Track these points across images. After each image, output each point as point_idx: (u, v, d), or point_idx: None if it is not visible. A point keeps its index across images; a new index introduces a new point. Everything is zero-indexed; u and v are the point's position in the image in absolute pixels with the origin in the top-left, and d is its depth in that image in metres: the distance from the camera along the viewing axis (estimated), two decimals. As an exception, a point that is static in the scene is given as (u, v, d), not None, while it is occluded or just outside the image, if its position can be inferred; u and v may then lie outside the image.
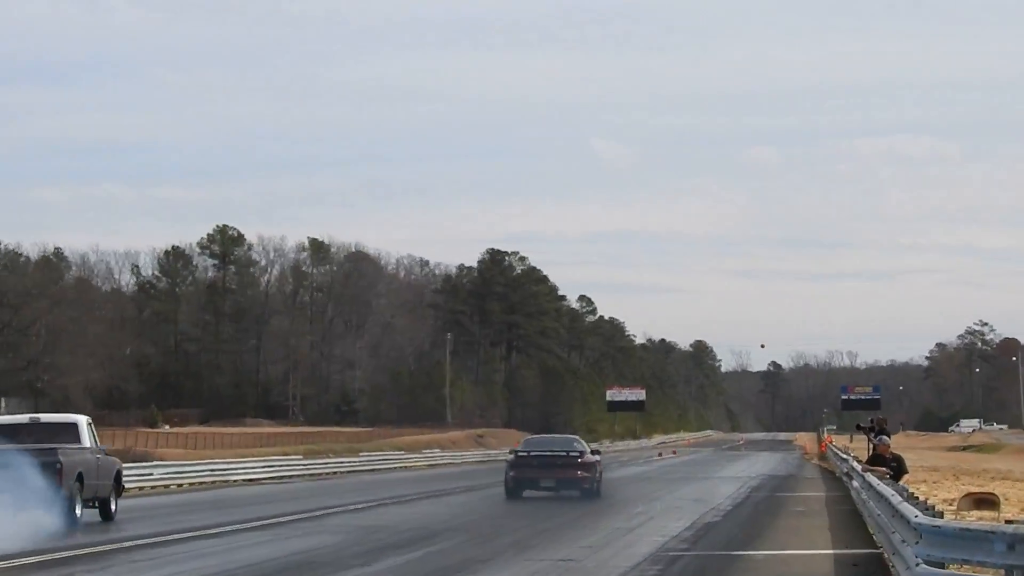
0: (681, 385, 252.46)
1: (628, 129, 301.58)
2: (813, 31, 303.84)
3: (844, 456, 55.27)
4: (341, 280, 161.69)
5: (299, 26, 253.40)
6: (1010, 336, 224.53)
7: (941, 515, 16.82)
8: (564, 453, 41.46)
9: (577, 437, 48.10)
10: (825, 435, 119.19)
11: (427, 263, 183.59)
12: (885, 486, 22.91)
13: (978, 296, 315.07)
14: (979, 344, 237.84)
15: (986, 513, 27.95)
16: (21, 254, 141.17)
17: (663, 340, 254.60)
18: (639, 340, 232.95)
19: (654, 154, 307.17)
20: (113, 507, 31.53)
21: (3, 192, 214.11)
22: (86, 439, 30.93)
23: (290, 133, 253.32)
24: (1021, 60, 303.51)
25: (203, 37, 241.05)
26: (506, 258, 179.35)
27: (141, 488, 47.00)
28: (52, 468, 28.42)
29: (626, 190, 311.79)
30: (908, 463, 29.35)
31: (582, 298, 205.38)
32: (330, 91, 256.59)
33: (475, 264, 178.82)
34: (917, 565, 15.25)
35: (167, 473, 52.56)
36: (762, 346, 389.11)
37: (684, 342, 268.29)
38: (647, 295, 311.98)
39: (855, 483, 36.10)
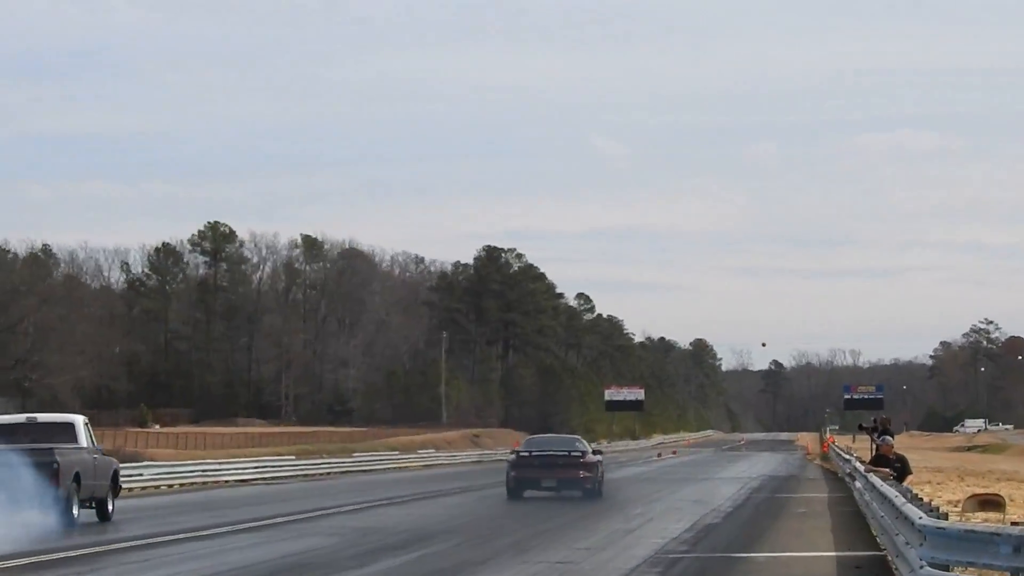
0: (681, 384, 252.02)
1: (628, 127, 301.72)
2: (813, 28, 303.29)
3: (847, 457, 55.41)
4: (335, 277, 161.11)
5: (299, 25, 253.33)
6: (1016, 335, 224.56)
7: (946, 517, 16.81)
8: (566, 453, 41.54)
9: (579, 437, 48.08)
10: (827, 435, 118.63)
11: (422, 260, 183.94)
12: (888, 487, 22.84)
13: (983, 294, 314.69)
14: (984, 343, 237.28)
15: (991, 515, 27.77)
16: (8, 251, 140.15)
17: (662, 338, 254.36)
18: (638, 339, 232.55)
19: (654, 152, 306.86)
20: (110, 508, 31.80)
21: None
22: (83, 439, 31.15)
23: (285, 130, 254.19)
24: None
25: (198, 35, 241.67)
26: (503, 255, 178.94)
27: (131, 489, 46.71)
28: (49, 468, 28.66)
29: (626, 188, 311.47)
30: (912, 464, 29.48)
31: (580, 296, 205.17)
32: (327, 89, 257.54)
33: (471, 261, 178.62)
34: (921, 568, 15.27)
35: (157, 474, 52.68)
36: (763, 345, 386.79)
37: (684, 341, 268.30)
38: (646, 293, 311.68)
39: (858, 484, 35.98)
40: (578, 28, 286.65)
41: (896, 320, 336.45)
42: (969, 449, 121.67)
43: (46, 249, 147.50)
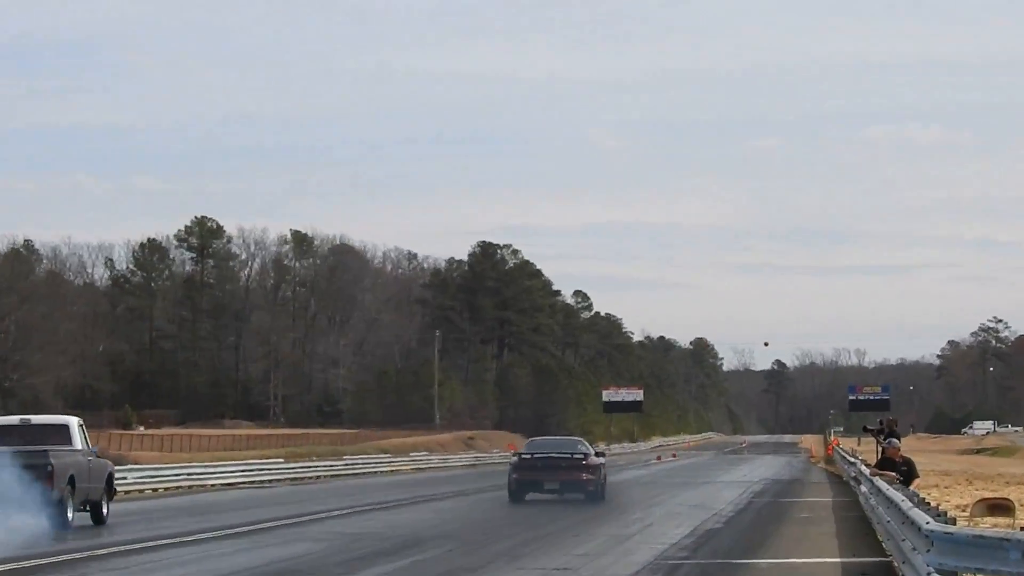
0: (681, 385, 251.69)
1: (627, 121, 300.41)
2: (816, 21, 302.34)
3: (852, 459, 55.49)
4: (325, 274, 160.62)
5: (291, 19, 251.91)
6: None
7: (954, 522, 16.85)
8: (568, 455, 41.78)
9: (581, 439, 48.34)
10: (832, 437, 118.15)
11: (415, 256, 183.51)
12: (895, 491, 22.82)
13: (992, 291, 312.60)
14: (993, 342, 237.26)
15: (1001, 520, 27.68)
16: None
17: (662, 337, 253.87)
18: (637, 337, 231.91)
19: (653, 147, 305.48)
20: (105, 511, 31.93)
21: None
22: (77, 441, 31.36)
23: (275, 124, 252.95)
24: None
25: (185, 29, 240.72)
26: (498, 251, 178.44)
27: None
28: (43, 471, 28.95)
29: (624, 183, 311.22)
30: (919, 467, 29.67)
31: (577, 293, 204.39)
32: (320, 81, 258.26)
33: (465, 258, 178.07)
34: (928, 574, 15.32)
35: (141, 477, 52.63)
36: (766, 344, 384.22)
37: (684, 340, 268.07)
38: (645, 290, 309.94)
39: (863, 488, 35.97)
40: (577, 24, 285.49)
41: (902, 319, 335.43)
42: (978, 452, 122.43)
43: (28, 245, 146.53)
